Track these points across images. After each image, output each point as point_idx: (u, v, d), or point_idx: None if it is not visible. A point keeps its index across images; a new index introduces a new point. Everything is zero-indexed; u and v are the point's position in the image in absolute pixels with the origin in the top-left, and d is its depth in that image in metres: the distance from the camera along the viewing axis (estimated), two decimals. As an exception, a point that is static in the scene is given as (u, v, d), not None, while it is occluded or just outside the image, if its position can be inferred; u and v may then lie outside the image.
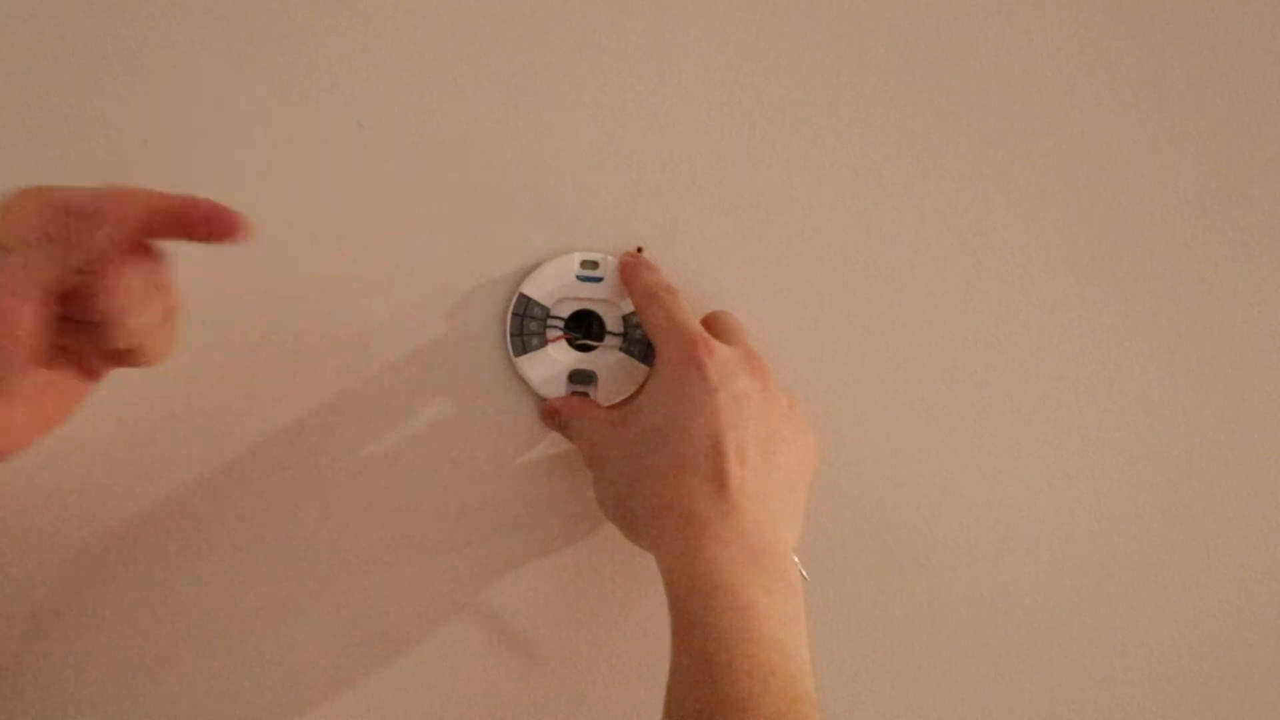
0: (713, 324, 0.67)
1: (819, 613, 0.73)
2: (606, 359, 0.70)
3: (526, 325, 0.69)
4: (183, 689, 0.72)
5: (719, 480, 0.58)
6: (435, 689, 0.73)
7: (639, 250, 0.70)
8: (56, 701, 0.71)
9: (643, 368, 0.70)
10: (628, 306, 0.70)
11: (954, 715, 0.74)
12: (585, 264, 0.69)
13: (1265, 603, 0.74)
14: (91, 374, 0.55)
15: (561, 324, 0.70)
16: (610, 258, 0.69)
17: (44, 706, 0.71)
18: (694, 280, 0.71)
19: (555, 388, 0.70)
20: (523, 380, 0.70)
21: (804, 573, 0.61)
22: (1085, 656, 0.74)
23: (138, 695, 0.72)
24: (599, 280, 0.69)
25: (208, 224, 0.48)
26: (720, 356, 0.62)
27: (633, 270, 0.67)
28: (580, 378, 0.70)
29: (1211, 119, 0.70)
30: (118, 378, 0.68)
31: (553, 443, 0.71)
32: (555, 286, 0.69)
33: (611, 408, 0.69)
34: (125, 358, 0.51)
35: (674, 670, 0.53)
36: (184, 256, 0.69)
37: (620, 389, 0.70)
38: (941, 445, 0.72)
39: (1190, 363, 0.72)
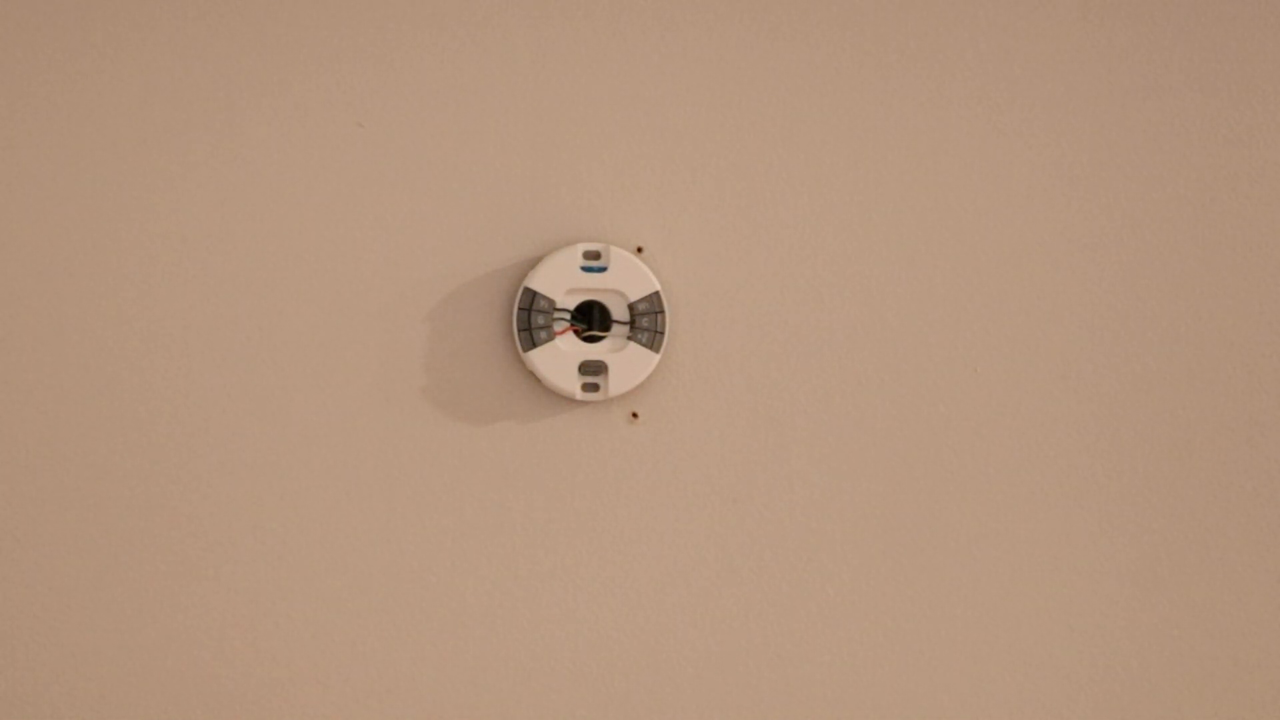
0: None
1: (820, 612, 0.72)
2: (615, 348, 0.70)
3: (534, 319, 0.69)
4: (184, 687, 0.71)
5: None
6: (434, 684, 0.72)
7: (639, 250, 0.71)
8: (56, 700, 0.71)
9: (652, 356, 0.70)
10: (634, 295, 0.70)
11: (954, 713, 0.73)
12: (588, 254, 0.70)
13: (1265, 601, 0.73)
14: None
15: (568, 316, 0.70)
16: (612, 247, 0.70)
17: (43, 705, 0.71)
18: (695, 279, 0.71)
19: (566, 381, 0.70)
20: (532, 375, 0.70)
21: None
22: (1084, 655, 0.73)
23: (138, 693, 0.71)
24: (603, 270, 0.69)
25: None
26: None
27: None
28: (591, 369, 0.70)
29: (1215, 115, 0.71)
30: (119, 377, 0.68)
31: (565, 439, 0.71)
32: (559, 278, 0.69)
33: None
34: None
35: None
36: (188, 255, 0.69)
37: (631, 378, 0.70)
38: (942, 446, 0.72)
39: (1193, 362, 0.72)
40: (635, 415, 0.71)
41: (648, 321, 0.70)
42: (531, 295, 0.69)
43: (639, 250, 0.71)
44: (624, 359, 0.70)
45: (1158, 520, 0.73)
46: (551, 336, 0.70)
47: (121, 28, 0.69)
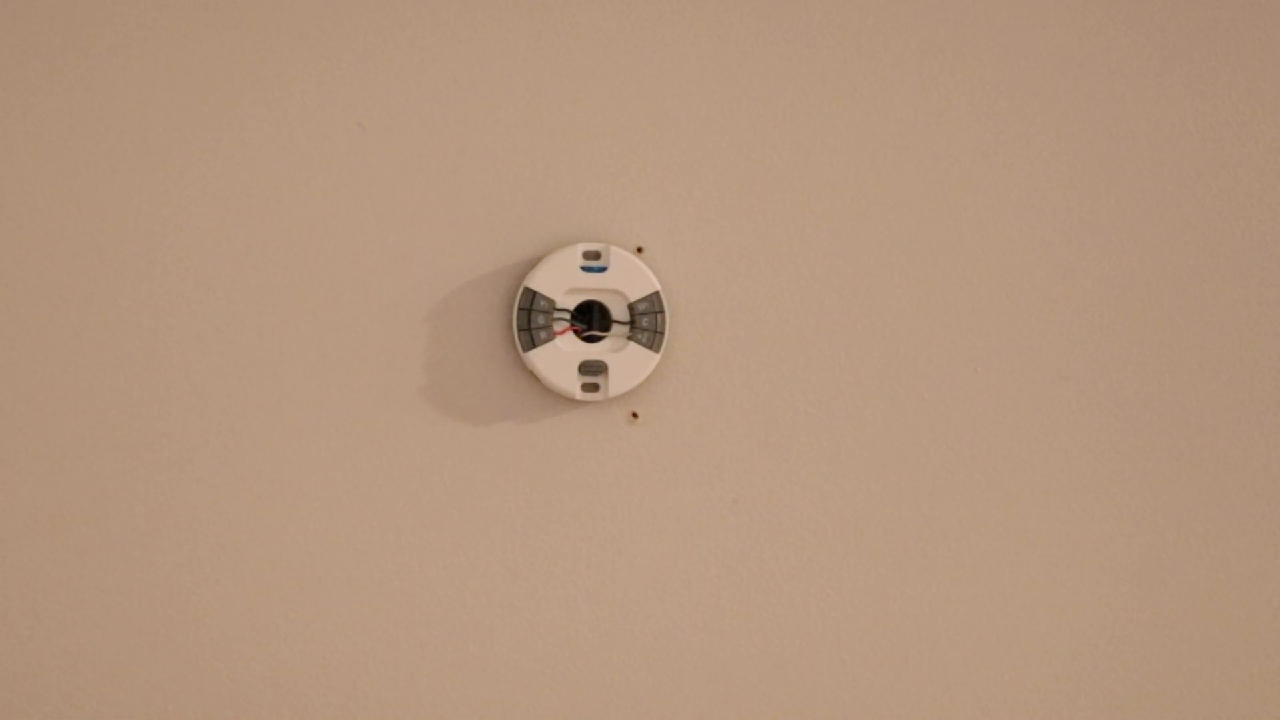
0: None
1: (819, 611, 0.72)
2: (615, 348, 0.70)
3: (533, 319, 0.69)
4: (184, 686, 0.71)
5: None
6: (434, 683, 0.72)
7: (639, 250, 0.71)
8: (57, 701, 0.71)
9: (652, 355, 0.70)
10: (634, 295, 0.70)
11: (954, 713, 0.73)
12: (588, 254, 0.70)
13: (1265, 601, 0.73)
14: None
15: (568, 316, 0.70)
16: (612, 247, 0.70)
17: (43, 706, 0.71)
18: (697, 273, 0.71)
19: (566, 381, 0.70)
20: (533, 374, 0.70)
21: None
22: (1084, 654, 0.73)
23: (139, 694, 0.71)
24: (603, 270, 0.70)
25: None
26: None
27: None
28: (590, 369, 0.70)
29: (1215, 117, 0.71)
30: (120, 378, 0.69)
31: (565, 440, 0.71)
32: (559, 278, 0.69)
33: None
34: None
35: None
36: (187, 256, 0.69)
37: (631, 378, 0.70)
38: (942, 445, 0.72)
39: (1192, 362, 0.72)
40: (635, 415, 0.71)
41: (648, 321, 0.70)
42: (531, 295, 0.69)
43: (639, 250, 0.71)
44: (624, 359, 0.70)
45: (1158, 519, 0.73)
46: (551, 336, 0.70)
47: (121, 28, 0.69)
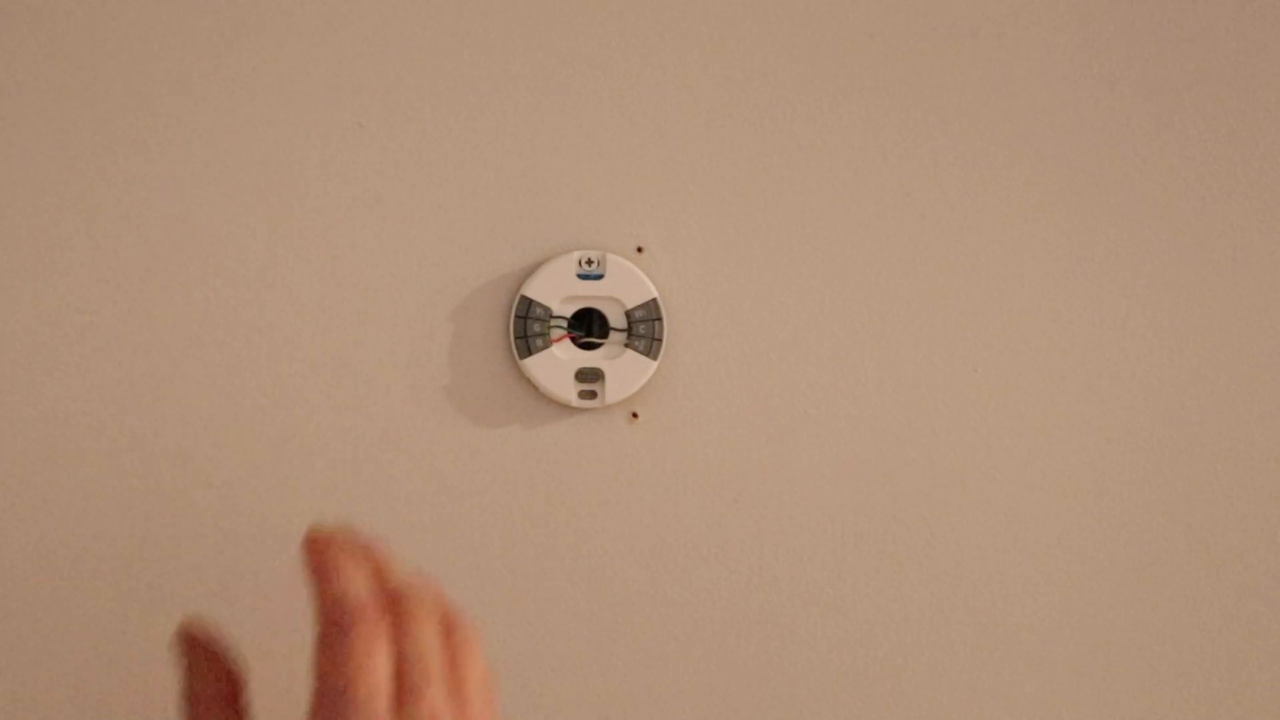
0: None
1: (819, 614, 0.73)
2: (612, 355, 0.70)
3: (530, 327, 0.69)
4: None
5: None
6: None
7: (639, 250, 0.70)
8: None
9: (650, 363, 0.70)
10: (630, 302, 0.70)
11: (956, 714, 0.74)
12: (585, 262, 0.69)
13: (1265, 601, 0.73)
14: None
15: (565, 324, 0.70)
16: (609, 255, 0.69)
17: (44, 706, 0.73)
18: (694, 280, 0.70)
19: (563, 388, 0.70)
20: (529, 383, 0.70)
21: None
22: (1084, 656, 0.73)
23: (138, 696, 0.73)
24: (599, 278, 0.69)
25: None
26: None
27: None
28: (587, 376, 0.70)
29: (1214, 116, 0.69)
30: (122, 386, 0.69)
31: (563, 449, 0.71)
32: (556, 286, 0.69)
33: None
34: None
35: None
36: (187, 261, 0.70)
37: (628, 384, 0.70)
38: (942, 446, 0.72)
39: (1192, 362, 0.71)
40: (635, 415, 0.71)
41: (645, 329, 0.70)
42: (528, 303, 0.69)
43: (639, 250, 0.70)
44: (621, 366, 0.70)
45: (1160, 521, 0.72)
46: (548, 344, 0.70)
47: (119, 28, 0.69)
